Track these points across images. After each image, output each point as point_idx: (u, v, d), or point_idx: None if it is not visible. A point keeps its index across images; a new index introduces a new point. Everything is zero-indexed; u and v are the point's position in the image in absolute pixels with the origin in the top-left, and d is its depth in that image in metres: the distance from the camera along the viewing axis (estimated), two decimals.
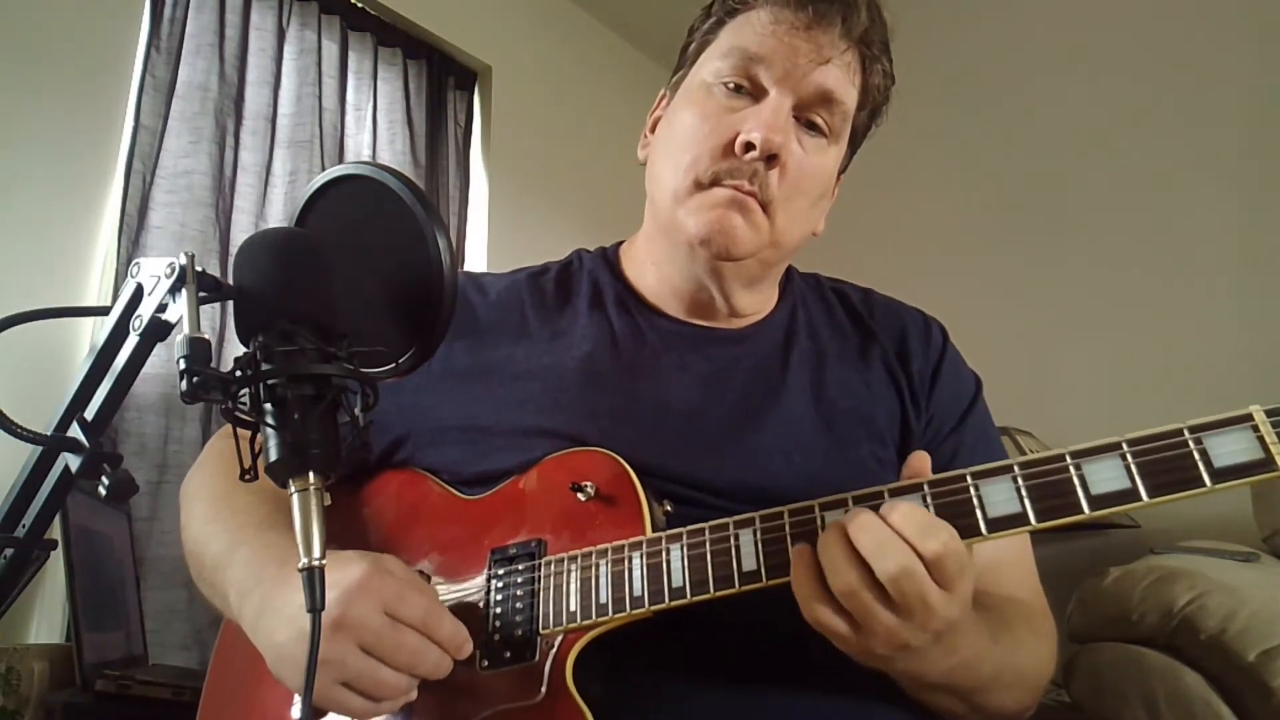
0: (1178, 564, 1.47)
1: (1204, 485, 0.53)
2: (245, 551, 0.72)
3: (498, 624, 0.68)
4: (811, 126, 0.80)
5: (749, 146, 0.76)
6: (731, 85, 0.79)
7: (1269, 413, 0.53)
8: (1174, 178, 2.39)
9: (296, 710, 0.72)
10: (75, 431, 0.52)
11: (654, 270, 0.89)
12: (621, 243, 0.97)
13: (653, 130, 0.91)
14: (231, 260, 0.96)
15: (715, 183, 0.78)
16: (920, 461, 0.62)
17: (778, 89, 0.78)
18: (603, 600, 0.65)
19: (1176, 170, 2.39)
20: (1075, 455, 0.57)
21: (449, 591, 0.72)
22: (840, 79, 0.79)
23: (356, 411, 0.50)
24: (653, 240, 0.89)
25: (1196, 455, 0.54)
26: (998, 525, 0.57)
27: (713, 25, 0.84)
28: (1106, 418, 2.29)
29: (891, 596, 0.55)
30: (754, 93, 0.79)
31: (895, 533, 0.56)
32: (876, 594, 0.55)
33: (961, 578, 0.56)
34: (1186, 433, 0.55)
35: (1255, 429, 0.53)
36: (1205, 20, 2.42)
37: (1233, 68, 2.34)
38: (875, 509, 0.58)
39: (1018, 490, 0.57)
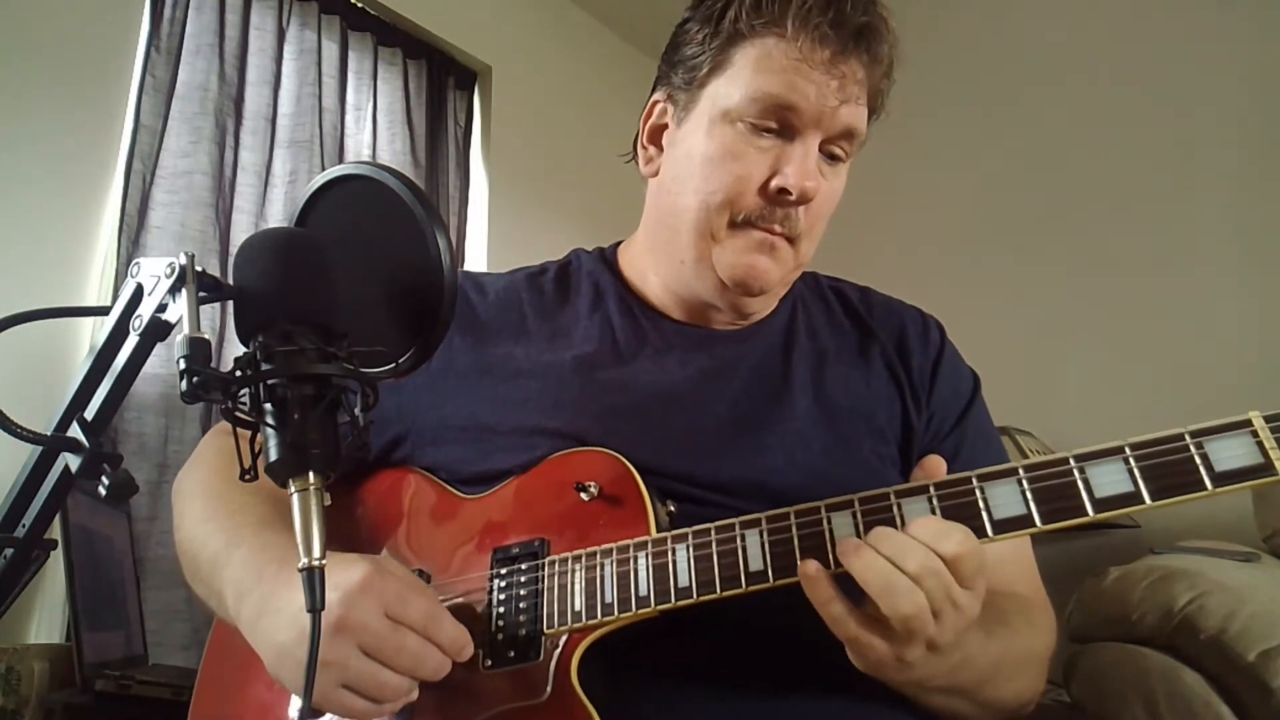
0: (1178, 564, 1.47)
1: (1205, 489, 0.55)
2: (244, 551, 0.71)
3: (501, 623, 0.68)
4: (832, 156, 0.81)
5: (783, 191, 0.77)
6: (759, 127, 0.78)
7: (1268, 419, 0.55)
8: (1175, 178, 2.39)
9: (294, 710, 0.72)
10: (75, 431, 0.52)
11: (656, 279, 0.89)
12: (619, 243, 0.97)
13: (652, 141, 0.89)
14: (231, 260, 0.96)
15: (749, 224, 0.79)
16: (934, 465, 0.63)
17: (807, 132, 0.78)
18: (608, 600, 0.65)
19: (1178, 170, 2.39)
20: (1079, 459, 0.58)
21: (450, 591, 0.72)
22: (862, 113, 0.80)
23: (356, 411, 0.50)
24: (657, 254, 0.88)
25: (1198, 460, 0.56)
26: (1004, 527, 0.59)
27: (723, 43, 0.80)
28: (1106, 418, 2.29)
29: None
30: (781, 131, 0.78)
31: (913, 538, 0.56)
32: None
33: (980, 576, 0.57)
34: (1188, 437, 0.56)
35: (1255, 434, 0.55)
36: (1207, 17, 2.42)
37: (1235, 66, 2.34)
38: (889, 520, 0.59)
39: (1023, 493, 0.59)
